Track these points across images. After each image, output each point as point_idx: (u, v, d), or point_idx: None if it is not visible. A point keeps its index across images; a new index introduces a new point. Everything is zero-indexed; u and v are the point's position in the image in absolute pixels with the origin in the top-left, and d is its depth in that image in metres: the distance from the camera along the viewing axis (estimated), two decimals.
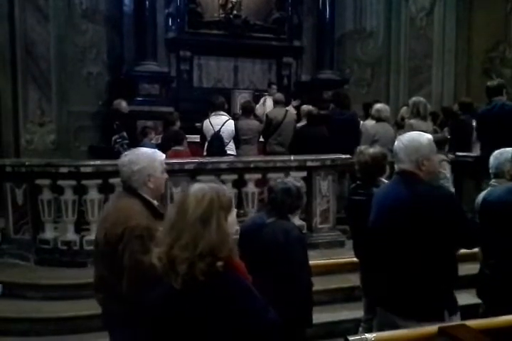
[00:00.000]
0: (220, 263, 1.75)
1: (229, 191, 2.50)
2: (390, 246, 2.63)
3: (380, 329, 2.67)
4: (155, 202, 2.74)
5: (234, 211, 1.90)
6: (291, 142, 6.92)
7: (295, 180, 3.29)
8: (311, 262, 4.65)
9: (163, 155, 2.81)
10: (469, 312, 2.91)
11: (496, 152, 3.41)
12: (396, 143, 2.74)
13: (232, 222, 1.88)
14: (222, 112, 6.73)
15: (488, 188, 3.36)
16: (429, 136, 2.74)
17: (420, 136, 2.70)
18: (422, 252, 2.53)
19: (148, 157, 2.70)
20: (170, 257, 1.76)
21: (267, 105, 9.08)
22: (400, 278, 2.61)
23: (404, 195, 2.61)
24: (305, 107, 7.51)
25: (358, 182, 3.59)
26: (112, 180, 4.85)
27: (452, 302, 2.62)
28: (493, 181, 3.39)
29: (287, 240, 2.85)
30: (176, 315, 1.78)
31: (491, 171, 3.42)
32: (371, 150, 3.50)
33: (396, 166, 2.76)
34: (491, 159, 3.40)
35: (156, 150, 2.90)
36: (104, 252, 2.62)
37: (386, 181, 3.40)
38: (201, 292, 1.74)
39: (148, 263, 2.40)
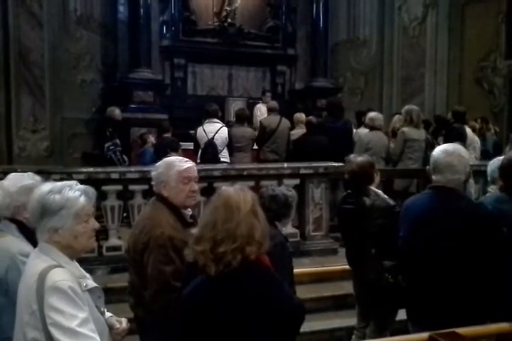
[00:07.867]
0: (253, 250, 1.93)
1: None
2: (433, 262, 2.62)
3: None
4: (188, 211, 2.72)
5: None
6: (291, 151, 6.90)
7: (287, 189, 3.25)
8: (304, 270, 4.66)
9: (184, 166, 2.64)
10: None
11: (493, 160, 3.45)
12: (437, 156, 2.69)
13: None
14: (215, 120, 6.73)
15: (487, 194, 3.42)
16: (466, 151, 2.75)
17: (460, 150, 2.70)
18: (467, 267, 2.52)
19: (166, 164, 2.67)
20: (215, 249, 1.92)
21: (260, 112, 9.10)
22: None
23: (455, 211, 2.61)
24: (298, 115, 7.52)
25: (348, 190, 3.56)
26: (104, 188, 4.84)
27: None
28: (490, 188, 3.47)
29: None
30: (213, 302, 1.92)
31: (488, 178, 3.48)
32: (359, 158, 3.45)
33: (434, 179, 2.71)
34: (488, 167, 3.44)
35: (184, 159, 2.76)
36: (134, 259, 2.64)
37: (377, 190, 3.37)
38: (235, 278, 1.93)
39: (170, 273, 2.44)
